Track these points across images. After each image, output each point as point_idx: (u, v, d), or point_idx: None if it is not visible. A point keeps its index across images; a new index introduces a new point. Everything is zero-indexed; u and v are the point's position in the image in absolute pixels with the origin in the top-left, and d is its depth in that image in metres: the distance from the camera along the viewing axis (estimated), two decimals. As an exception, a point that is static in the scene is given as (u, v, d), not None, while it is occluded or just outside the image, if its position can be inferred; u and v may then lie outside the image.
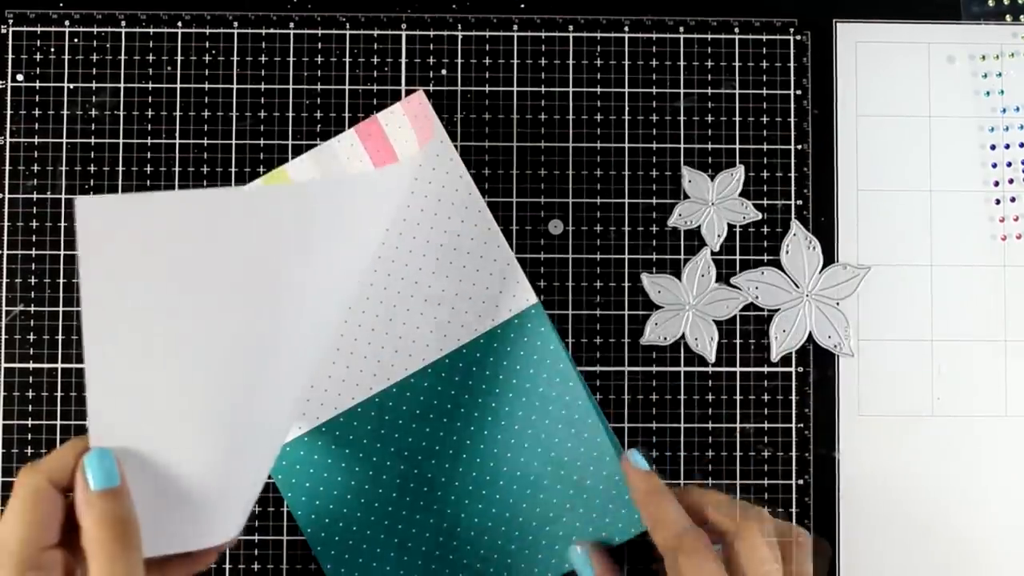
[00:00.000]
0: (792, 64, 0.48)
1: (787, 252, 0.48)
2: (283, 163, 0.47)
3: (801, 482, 0.47)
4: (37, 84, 0.47)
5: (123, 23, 0.48)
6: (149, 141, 0.47)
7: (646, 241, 0.48)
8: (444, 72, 0.48)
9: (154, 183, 0.47)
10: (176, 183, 0.47)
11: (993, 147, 0.48)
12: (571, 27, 0.48)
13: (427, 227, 0.46)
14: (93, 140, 0.47)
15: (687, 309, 0.48)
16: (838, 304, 0.48)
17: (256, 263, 0.36)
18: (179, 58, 0.48)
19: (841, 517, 0.47)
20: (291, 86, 0.48)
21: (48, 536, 0.35)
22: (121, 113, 0.47)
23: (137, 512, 0.36)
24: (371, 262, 0.45)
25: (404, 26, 0.48)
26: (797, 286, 0.48)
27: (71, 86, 0.47)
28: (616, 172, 0.48)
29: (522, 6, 0.48)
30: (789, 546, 0.41)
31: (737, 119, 0.48)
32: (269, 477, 0.45)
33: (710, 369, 0.48)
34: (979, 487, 0.48)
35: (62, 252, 0.47)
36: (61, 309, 0.47)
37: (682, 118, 0.48)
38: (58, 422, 0.47)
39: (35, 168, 0.47)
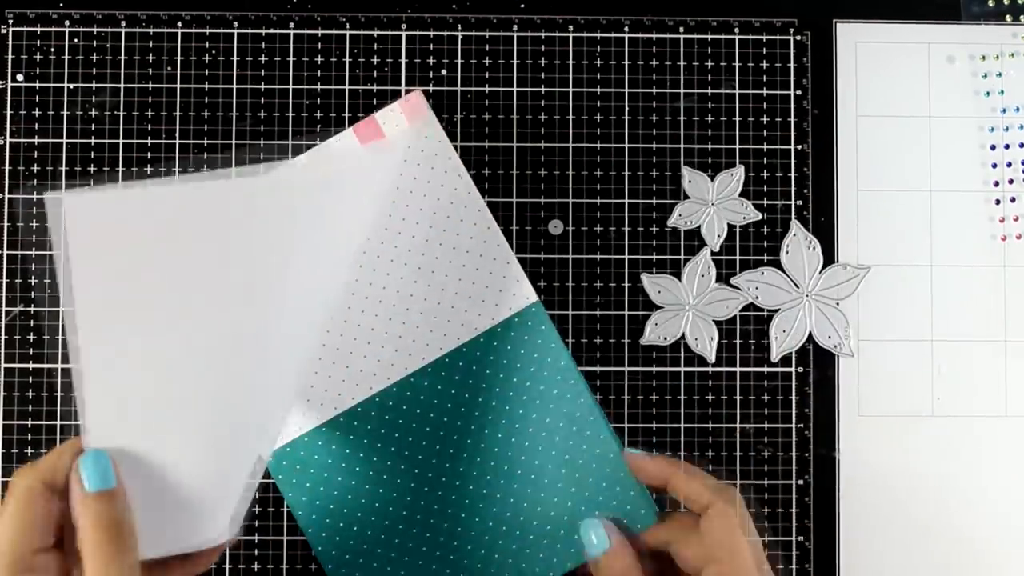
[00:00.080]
0: (792, 64, 0.48)
1: (787, 252, 0.48)
2: (283, 163, 0.47)
3: (801, 482, 0.47)
4: (37, 84, 0.47)
5: (123, 23, 0.48)
6: (149, 141, 0.47)
7: (646, 241, 0.48)
8: (444, 72, 0.48)
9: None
10: (176, 183, 0.47)
11: (993, 147, 0.48)
12: (571, 27, 0.48)
13: (426, 226, 0.46)
14: (93, 140, 0.47)
15: (687, 309, 0.48)
16: (838, 304, 0.48)
17: (239, 258, 0.36)
18: (179, 58, 0.48)
19: (841, 517, 0.47)
20: (291, 86, 0.48)
21: (42, 538, 0.35)
22: (121, 113, 0.47)
23: (133, 514, 0.35)
24: (358, 256, 0.45)
25: (404, 26, 0.48)
26: (797, 286, 0.48)
27: (71, 86, 0.47)
28: (616, 172, 0.48)
29: (522, 6, 0.48)
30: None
31: (737, 119, 0.48)
32: (268, 477, 0.45)
33: (710, 369, 0.48)
34: (979, 487, 0.48)
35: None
36: (61, 309, 0.47)
37: (682, 118, 0.48)
38: (58, 422, 0.47)
39: (35, 168, 0.47)
